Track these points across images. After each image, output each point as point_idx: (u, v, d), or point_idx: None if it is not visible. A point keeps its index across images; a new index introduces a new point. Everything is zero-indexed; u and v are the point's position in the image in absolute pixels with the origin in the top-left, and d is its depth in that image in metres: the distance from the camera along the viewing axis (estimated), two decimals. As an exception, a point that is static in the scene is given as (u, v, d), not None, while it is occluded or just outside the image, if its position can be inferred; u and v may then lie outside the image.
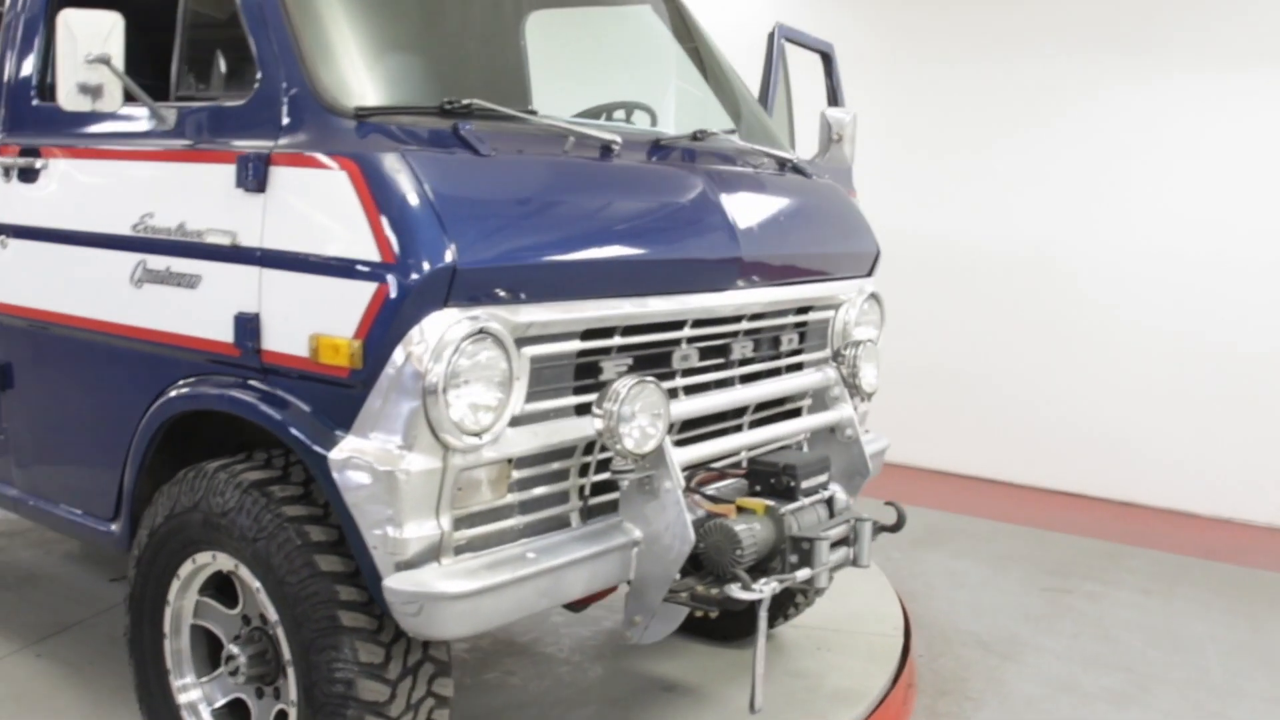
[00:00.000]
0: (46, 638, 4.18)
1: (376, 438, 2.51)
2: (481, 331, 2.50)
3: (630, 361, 2.95)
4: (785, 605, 4.15)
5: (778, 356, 3.55)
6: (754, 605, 3.30)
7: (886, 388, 8.32)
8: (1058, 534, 6.52)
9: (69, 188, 3.30)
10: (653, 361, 3.04)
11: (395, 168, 2.53)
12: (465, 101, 2.75)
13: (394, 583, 2.47)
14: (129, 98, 2.83)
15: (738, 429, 3.35)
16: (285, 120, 2.70)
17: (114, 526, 3.20)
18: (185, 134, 2.95)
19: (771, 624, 4.23)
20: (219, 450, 2.94)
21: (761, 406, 3.45)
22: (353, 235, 2.52)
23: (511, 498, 2.68)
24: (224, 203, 2.78)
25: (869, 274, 3.91)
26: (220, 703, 3.00)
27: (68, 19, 2.72)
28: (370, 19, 3.04)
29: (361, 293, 2.50)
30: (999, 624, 5.04)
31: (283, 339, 2.68)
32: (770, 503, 3.07)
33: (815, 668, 4.23)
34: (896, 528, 3.64)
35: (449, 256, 2.45)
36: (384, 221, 2.48)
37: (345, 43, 2.89)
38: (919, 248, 7.65)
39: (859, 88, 7.83)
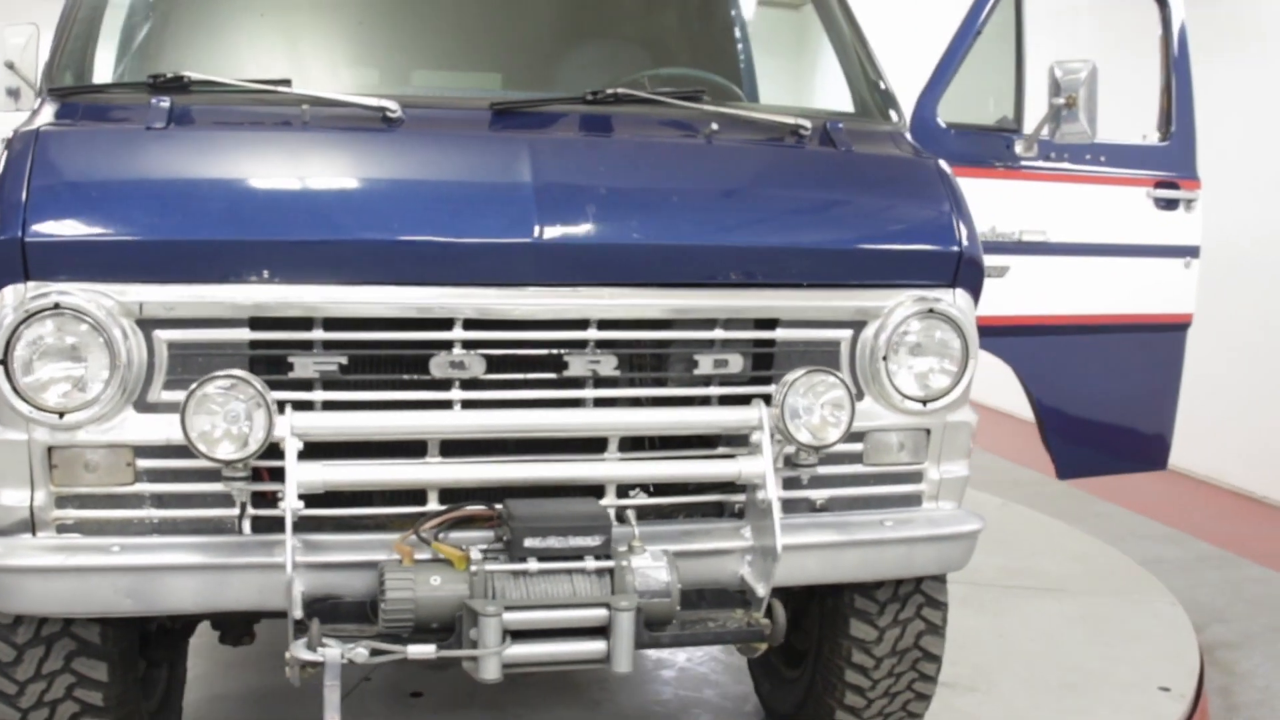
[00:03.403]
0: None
1: None
2: (58, 307, 2.36)
3: (344, 361, 2.50)
4: (835, 689, 3.02)
5: (707, 381, 2.66)
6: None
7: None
8: None
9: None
10: (402, 365, 2.55)
11: (15, 144, 2.52)
12: (173, 75, 2.69)
13: None
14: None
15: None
16: (37, 103, 2.82)
17: None
18: None
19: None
20: None
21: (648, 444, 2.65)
22: None
23: (141, 488, 2.46)
24: None
25: (952, 284, 2.74)
26: None
27: (1, 31, 3.13)
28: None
29: None
30: None
31: None
32: (475, 555, 2.38)
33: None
34: (769, 638, 2.52)
35: (17, 230, 2.37)
36: None
37: (100, 25, 2.95)
38: None
39: None
